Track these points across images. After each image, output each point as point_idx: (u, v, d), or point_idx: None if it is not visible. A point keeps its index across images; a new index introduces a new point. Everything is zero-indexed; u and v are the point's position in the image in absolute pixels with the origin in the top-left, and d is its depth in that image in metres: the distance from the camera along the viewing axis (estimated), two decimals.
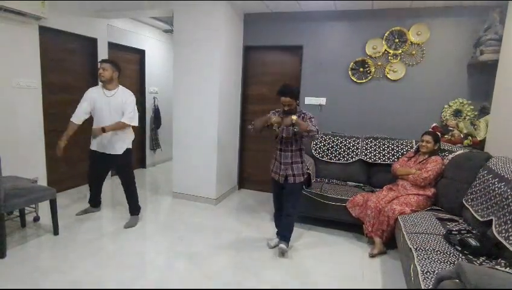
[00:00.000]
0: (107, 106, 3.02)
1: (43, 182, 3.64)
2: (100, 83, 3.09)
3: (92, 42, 4.22)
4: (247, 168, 4.53)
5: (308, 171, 3.16)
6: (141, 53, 5.27)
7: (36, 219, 3.13)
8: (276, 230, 2.98)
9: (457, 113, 3.49)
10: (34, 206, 3.06)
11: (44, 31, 3.54)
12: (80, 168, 4.08)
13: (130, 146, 3.19)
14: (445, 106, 3.53)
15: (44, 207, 3.10)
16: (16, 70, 3.30)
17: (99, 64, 3.05)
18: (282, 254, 2.70)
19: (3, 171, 2.45)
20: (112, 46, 4.56)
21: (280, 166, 2.75)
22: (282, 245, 2.71)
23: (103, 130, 2.92)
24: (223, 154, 3.97)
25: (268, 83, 4.19)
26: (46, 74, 3.63)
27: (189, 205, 3.84)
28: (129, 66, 5.10)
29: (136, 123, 3.10)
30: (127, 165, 3.22)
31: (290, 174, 2.72)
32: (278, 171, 2.76)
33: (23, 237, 2.83)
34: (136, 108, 3.10)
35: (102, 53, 4.32)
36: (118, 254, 2.64)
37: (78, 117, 3.09)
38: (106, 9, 4.14)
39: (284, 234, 2.79)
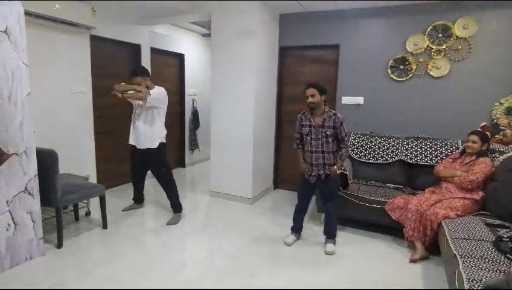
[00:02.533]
0: (139, 108, 3.22)
1: (93, 179, 3.94)
2: None
3: (136, 48, 4.48)
4: (282, 168, 4.55)
5: (345, 172, 3.11)
6: (181, 57, 5.49)
7: (88, 214, 3.40)
8: (292, 225, 3.01)
9: (509, 111, 3.23)
10: (86, 201, 3.33)
11: (94, 39, 3.83)
12: (125, 167, 4.35)
13: (164, 140, 3.28)
14: (496, 104, 3.29)
15: (94, 203, 3.36)
16: (71, 77, 3.61)
17: (130, 77, 3.15)
18: (331, 254, 2.76)
19: (60, 169, 2.69)
20: (154, 51, 4.80)
21: (312, 167, 2.75)
22: (329, 248, 2.79)
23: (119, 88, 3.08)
24: (259, 154, 4.03)
25: (303, 83, 4.09)
26: (95, 79, 3.92)
27: (226, 203, 3.94)
28: (169, 69, 5.34)
29: (151, 104, 3.09)
30: (162, 160, 3.29)
31: (323, 173, 2.73)
32: (310, 173, 2.77)
33: (76, 229, 3.10)
34: (159, 98, 3.16)
35: (146, 58, 4.58)
36: (160, 248, 2.80)
37: None
38: (149, 17, 4.38)
39: (328, 232, 2.89)
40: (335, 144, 2.72)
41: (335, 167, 2.71)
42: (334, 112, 2.71)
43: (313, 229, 3.23)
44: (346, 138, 2.71)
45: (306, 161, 2.81)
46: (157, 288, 2.23)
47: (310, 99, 2.63)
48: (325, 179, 2.74)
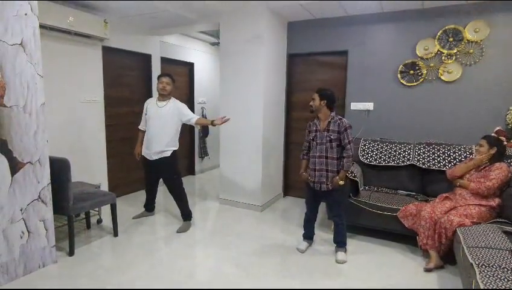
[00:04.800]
0: (157, 115, 3.23)
1: (104, 187, 3.98)
2: (157, 95, 3.33)
3: (147, 58, 4.57)
4: (292, 175, 4.52)
5: (355, 179, 3.07)
6: (190, 66, 5.57)
7: (99, 221, 3.43)
8: (303, 232, 3.00)
9: None
10: (97, 209, 3.37)
11: (106, 50, 3.92)
12: (136, 175, 4.41)
13: (176, 148, 3.32)
14: (511, 108, 3.22)
15: (105, 210, 3.40)
16: (83, 87, 3.69)
17: (159, 78, 3.25)
18: (342, 262, 2.70)
19: (72, 177, 2.73)
20: (164, 60, 4.88)
21: (315, 173, 2.72)
22: (340, 256, 2.73)
23: (212, 123, 3.33)
24: (268, 162, 4.02)
25: (312, 90, 4.10)
26: (107, 88, 4.00)
27: (235, 211, 3.93)
28: (179, 78, 5.39)
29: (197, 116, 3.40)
30: (174, 168, 3.31)
31: (324, 182, 2.69)
32: (313, 179, 2.74)
33: (88, 237, 3.12)
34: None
35: (156, 68, 4.65)
36: (170, 256, 2.79)
37: (142, 125, 3.44)
38: (159, 27, 4.46)
39: (338, 240, 2.83)
40: (339, 151, 2.67)
41: (337, 177, 2.64)
42: (340, 117, 2.70)
43: (324, 237, 3.19)
44: (349, 146, 2.61)
45: (309, 168, 2.79)
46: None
47: (310, 103, 2.75)
48: (328, 190, 2.70)
